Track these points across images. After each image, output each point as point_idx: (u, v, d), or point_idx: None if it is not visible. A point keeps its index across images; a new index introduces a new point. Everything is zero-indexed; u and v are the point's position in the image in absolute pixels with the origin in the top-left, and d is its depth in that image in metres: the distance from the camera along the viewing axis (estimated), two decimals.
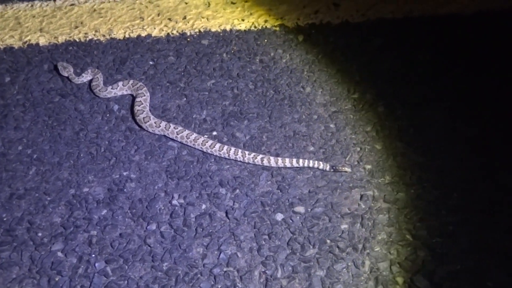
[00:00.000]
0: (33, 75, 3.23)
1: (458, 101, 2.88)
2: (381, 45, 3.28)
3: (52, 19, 3.64)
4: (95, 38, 3.47)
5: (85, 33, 3.51)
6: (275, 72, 3.16)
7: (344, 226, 2.34)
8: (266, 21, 3.52)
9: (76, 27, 3.56)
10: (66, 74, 3.16)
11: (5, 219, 2.48)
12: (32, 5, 3.78)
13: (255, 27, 3.49)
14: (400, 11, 3.50)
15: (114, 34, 3.49)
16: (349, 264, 2.20)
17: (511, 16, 3.39)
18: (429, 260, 2.18)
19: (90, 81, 3.13)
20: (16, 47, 3.44)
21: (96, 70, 3.17)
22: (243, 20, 3.55)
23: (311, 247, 2.27)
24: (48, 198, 2.56)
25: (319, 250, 2.26)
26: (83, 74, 3.15)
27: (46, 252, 2.34)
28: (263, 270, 2.23)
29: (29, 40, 3.48)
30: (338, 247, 2.26)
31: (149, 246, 2.34)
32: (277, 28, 3.46)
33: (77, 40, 3.47)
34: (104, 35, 3.49)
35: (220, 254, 2.29)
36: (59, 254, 2.34)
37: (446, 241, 2.24)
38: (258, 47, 3.33)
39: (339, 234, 2.31)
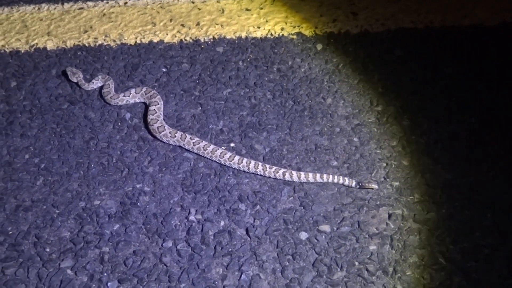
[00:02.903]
0: (41, 80, 3.09)
1: (484, 116, 2.78)
2: (402, 55, 3.18)
3: (60, 22, 3.51)
4: (105, 43, 3.34)
5: (95, 38, 3.38)
6: (293, 81, 3.04)
7: (372, 247, 2.21)
8: (282, 29, 3.41)
9: (85, 31, 3.43)
10: (75, 80, 3.03)
11: (10, 232, 2.33)
12: (39, 8, 3.65)
13: (271, 34, 3.37)
14: (421, 21, 3.40)
15: (125, 40, 3.36)
16: None
17: None
18: (464, 286, 2.05)
19: (101, 87, 3.00)
20: (22, 51, 3.30)
21: (107, 76, 3.04)
22: (259, 27, 3.43)
23: (339, 269, 2.14)
24: (57, 211, 2.42)
25: (347, 273, 2.13)
26: (93, 80, 3.01)
27: (54, 269, 2.20)
28: None
29: (36, 43, 3.34)
30: (367, 270, 2.13)
31: (165, 265, 2.20)
32: (294, 37, 3.35)
33: (87, 44, 3.34)
34: (114, 40, 3.36)
35: (241, 275, 2.15)
36: (69, 271, 2.19)
37: (481, 265, 2.12)
38: (275, 56, 3.22)
39: (368, 256, 2.18)
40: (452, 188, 2.42)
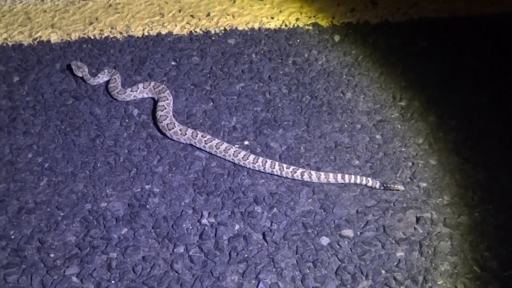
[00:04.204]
0: (44, 75, 2.95)
1: None
2: (426, 46, 3.00)
3: (64, 14, 3.37)
4: (112, 36, 3.19)
5: (101, 30, 3.23)
6: (310, 75, 2.87)
7: (400, 254, 2.05)
8: (297, 19, 3.24)
9: (91, 23, 3.28)
10: (80, 74, 2.89)
11: (12, 237, 2.21)
12: None
13: (286, 25, 3.20)
14: (445, 10, 3.21)
15: (132, 32, 3.21)
16: None
17: None
18: None
19: (107, 82, 2.86)
20: (25, 44, 3.16)
21: (114, 70, 2.89)
22: (272, 18, 3.26)
23: (364, 278, 1.99)
24: (61, 214, 2.29)
25: (373, 282, 1.97)
26: (99, 75, 2.87)
27: (59, 277, 2.07)
28: None
29: (40, 36, 3.20)
30: (395, 279, 1.97)
31: (176, 272, 2.06)
32: (310, 27, 3.17)
33: (92, 37, 3.19)
34: (121, 33, 3.21)
35: (258, 283, 2.01)
36: (74, 279, 2.07)
37: None
38: (291, 48, 3.04)
39: (395, 264, 2.02)
40: (485, 190, 2.25)
